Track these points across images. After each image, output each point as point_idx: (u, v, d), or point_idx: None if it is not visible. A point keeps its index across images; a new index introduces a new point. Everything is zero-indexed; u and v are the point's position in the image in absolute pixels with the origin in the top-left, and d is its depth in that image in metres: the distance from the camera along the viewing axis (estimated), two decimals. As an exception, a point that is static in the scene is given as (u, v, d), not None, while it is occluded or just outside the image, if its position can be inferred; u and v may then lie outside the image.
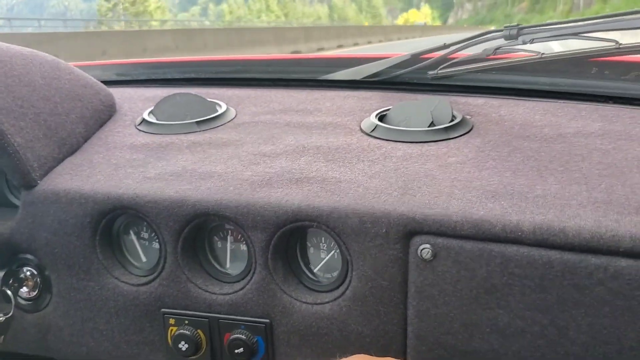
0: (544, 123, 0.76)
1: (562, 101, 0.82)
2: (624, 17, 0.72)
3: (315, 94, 0.95)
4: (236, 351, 0.68)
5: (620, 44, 0.72)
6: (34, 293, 0.78)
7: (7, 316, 0.74)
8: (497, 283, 0.57)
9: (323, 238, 0.68)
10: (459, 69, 0.89)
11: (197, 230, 0.69)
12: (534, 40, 0.79)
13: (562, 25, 0.77)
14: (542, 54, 0.79)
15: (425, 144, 0.73)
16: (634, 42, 0.72)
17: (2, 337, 0.75)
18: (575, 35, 0.75)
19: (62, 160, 0.78)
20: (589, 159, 0.66)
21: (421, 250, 0.59)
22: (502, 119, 0.79)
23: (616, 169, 0.63)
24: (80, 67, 0.94)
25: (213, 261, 0.72)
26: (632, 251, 0.53)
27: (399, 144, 0.74)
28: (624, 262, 0.53)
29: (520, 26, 0.81)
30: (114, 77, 1.09)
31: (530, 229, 0.56)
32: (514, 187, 0.61)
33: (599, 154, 0.67)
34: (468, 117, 0.80)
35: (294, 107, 0.90)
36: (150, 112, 0.89)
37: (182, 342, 0.70)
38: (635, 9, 0.71)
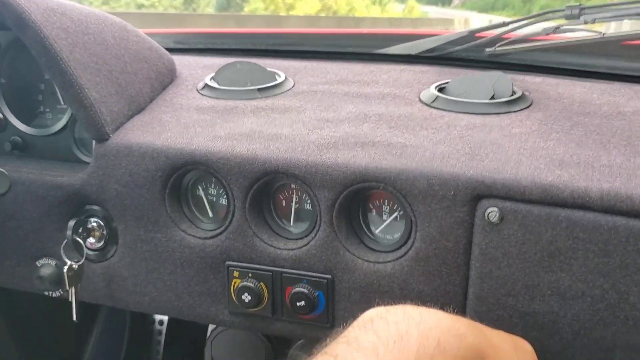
0: (603, 102, 0.77)
1: (619, 83, 0.83)
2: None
3: (371, 67, 0.97)
4: (298, 304, 0.71)
5: (686, 25, 0.73)
6: (100, 244, 0.81)
7: (79, 264, 0.78)
8: (561, 247, 0.59)
9: (385, 200, 0.70)
10: (517, 47, 0.90)
11: (264, 188, 0.72)
12: (596, 20, 0.80)
13: (626, 5, 0.78)
14: (604, 34, 0.81)
15: (488, 116, 0.75)
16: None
17: (78, 284, 0.79)
18: (639, 16, 0.76)
19: (131, 117, 0.81)
20: None
21: (488, 213, 0.61)
22: (561, 96, 0.80)
23: None
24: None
25: (277, 219, 0.74)
26: None
27: (460, 114, 0.76)
28: None
29: (582, 6, 0.82)
30: (173, 45, 1.12)
31: (597, 195, 0.58)
32: (580, 157, 0.63)
33: None
34: (527, 93, 0.82)
35: (350, 79, 0.92)
36: (212, 78, 0.92)
37: (245, 294, 0.73)
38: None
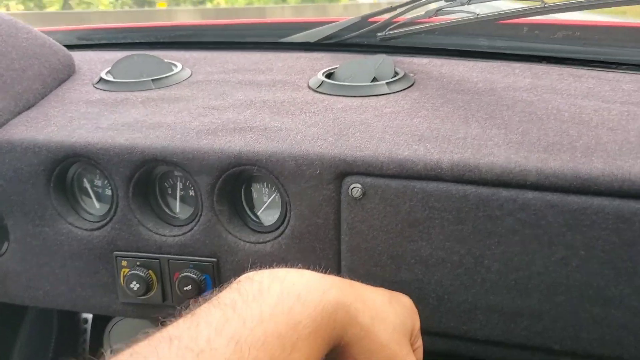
0: (479, 79, 0.81)
1: (499, 61, 0.87)
2: (551, -23, 0.77)
3: (269, 55, 0.99)
4: (185, 289, 0.72)
5: (546, 4, 0.77)
6: (-7, 241, 0.81)
7: None
8: (419, 217, 0.62)
9: (265, 182, 0.72)
10: (404, 30, 0.93)
11: (147, 176, 0.73)
12: (471, 2, 0.84)
13: (496, -14, 0.82)
14: (478, 14, 0.84)
15: (367, 98, 0.78)
16: (558, 1, 0.77)
17: None
18: (507, -5, 0.80)
19: (18, 114, 0.81)
20: (512, 108, 0.71)
21: (351, 189, 0.64)
22: (442, 76, 0.84)
23: (535, 117, 0.68)
24: (42, 31, 0.97)
25: (163, 206, 0.76)
26: (538, 184, 0.58)
27: (342, 98, 0.79)
28: (530, 195, 0.59)
29: (458, -13, 0.85)
30: (76, 41, 1.12)
31: (448, 166, 0.61)
32: (440, 131, 0.66)
33: (523, 104, 0.72)
34: (411, 74, 0.85)
35: (247, 67, 0.94)
36: (108, 72, 0.92)
37: (134, 282, 0.74)
38: (561, -30, 0.76)
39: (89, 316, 1.29)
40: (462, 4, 0.85)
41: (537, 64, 0.85)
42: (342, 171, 0.65)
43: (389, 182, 0.63)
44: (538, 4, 0.78)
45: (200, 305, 0.48)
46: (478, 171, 0.60)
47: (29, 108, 0.83)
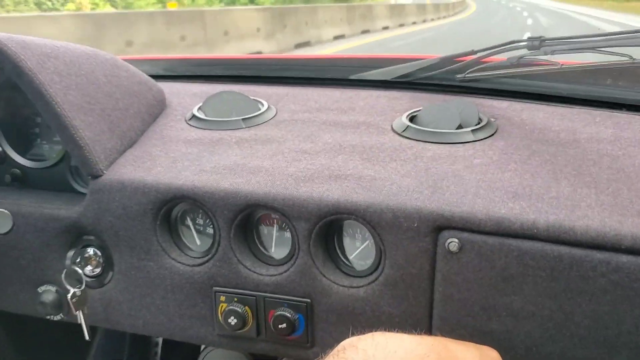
0: (561, 128, 0.83)
1: (578, 107, 0.89)
2: (638, 34, 0.79)
3: (349, 93, 1.03)
4: (280, 326, 0.77)
5: (635, 59, 0.79)
6: (97, 271, 0.87)
7: (81, 289, 0.84)
8: (513, 273, 0.65)
9: (358, 229, 0.76)
10: (486, 74, 0.96)
11: (247, 219, 0.78)
12: (555, 52, 0.86)
13: (582, 39, 0.84)
14: (562, 64, 0.86)
15: (454, 145, 0.81)
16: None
17: (85, 307, 0.85)
18: (593, 49, 0.82)
19: (124, 152, 0.87)
20: (599, 163, 0.73)
21: (448, 243, 0.67)
22: (524, 122, 0.86)
23: (624, 174, 0.71)
24: (130, 60, 1.03)
25: (260, 246, 0.81)
26: (633, 248, 0.61)
27: (428, 144, 0.82)
28: (624, 258, 0.61)
29: (542, 38, 0.87)
30: (162, 72, 1.18)
31: (544, 227, 0.64)
32: (532, 188, 0.69)
33: (609, 159, 0.74)
34: (493, 119, 0.88)
35: (329, 106, 0.98)
36: (199, 109, 0.98)
37: (232, 317, 0.79)
38: (650, 26, 0.77)
39: (159, 340, 1.36)
40: (546, 54, 0.87)
41: (618, 112, 0.87)
42: (439, 225, 0.68)
43: (485, 239, 0.66)
44: (626, 59, 0.80)
45: None
46: (573, 233, 0.63)
47: (131, 146, 0.89)
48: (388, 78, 1.05)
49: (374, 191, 0.72)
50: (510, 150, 0.78)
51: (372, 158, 0.80)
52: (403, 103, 0.97)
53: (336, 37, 12.60)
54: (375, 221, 0.71)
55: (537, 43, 0.88)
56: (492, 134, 0.84)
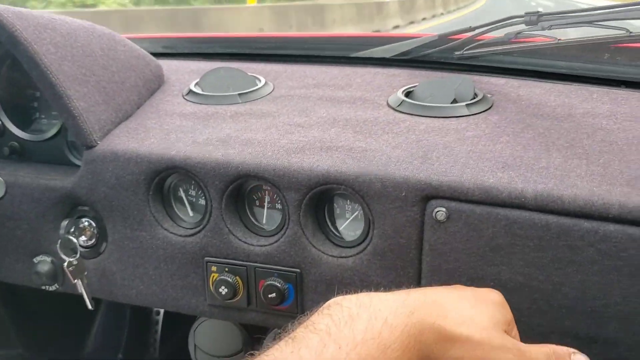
0: (558, 103, 0.83)
1: (576, 84, 0.88)
2: (636, 6, 0.78)
3: (347, 70, 1.03)
4: (269, 296, 0.77)
5: (631, 32, 0.78)
6: (92, 241, 0.88)
7: (77, 259, 0.85)
8: (501, 243, 0.65)
9: (348, 200, 0.76)
10: (483, 50, 0.95)
11: (238, 189, 0.78)
12: (552, 27, 0.85)
13: (578, 13, 0.83)
14: (559, 39, 0.86)
15: (447, 119, 0.81)
16: (644, 30, 0.78)
17: (85, 274, 0.86)
18: (590, 23, 0.81)
19: (119, 124, 0.88)
20: (593, 136, 0.73)
21: (436, 212, 0.67)
22: (520, 98, 0.86)
23: (616, 147, 0.70)
24: (130, 38, 1.03)
25: (251, 217, 0.81)
26: (620, 217, 0.60)
27: (422, 118, 0.82)
28: (612, 227, 0.61)
29: (540, 13, 0.86)
30: (162, 50, 1.18)
31: (532, 196, 0.63)
32: (523, 159, 0.69)
33: (603, 132, 0.74)
34: (489, 95, 0.87)
35: (326, 82, 0.98)
36: (196, 84, 0.98)
37: (222, 287, 0.79)
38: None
39: (161, 312, 1.37)
40: (543, 29, 0.86)
41: (616, 89, 0.86)
42: (427, 194, 0.68)
43: (473, 208, 0.66)
44: (623, 32, 0.79)
45: (296, 329, 0.52)
46: (561, 202, 0.62)
47: (127, 118, 0.89)
48: (387, 56, 1.05)
49: (363, 162, 0.72)
50: (503, 124, 0.78)
51: (364, 131, 0.79)
52: (401, 80, 0.97)
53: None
54: (364, 191, 0.70)
55: (535, 18, 0.87)
56: (488, 109, 0.83)
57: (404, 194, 0.69)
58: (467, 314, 0.57)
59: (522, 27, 0.89)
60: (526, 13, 0.88)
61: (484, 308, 0.58)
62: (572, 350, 0.58)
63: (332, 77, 1.00)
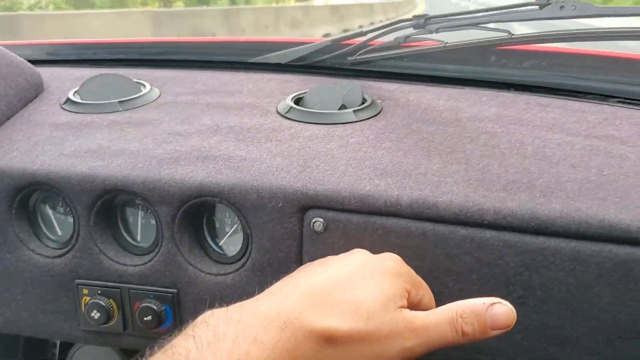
0: (446, 108, 0.81)
1: (467, 88, 0.88)
2: (517, 9, 0.77)
3: (240, 76, 0.99)
4: (145, 319, 0.72)
5: (513, 35, 0.78)
6: (-46, 266, 0.80)
7: None
8: (379, 252, 0.62)
9: (227, 213, 0.72)
10: (375, 55, 0.94)
11: (108, 205, 0.72)
12: (439, 30, 0.84)
13: (463, 16, 0.82)
14: (446, 43, 0.85)
15: (334, 126, 0.78)
16: (525, 32, 0.78)
17: None
18: (475, 25, 0.80)
19: None
20: (476, 141, 0.71)
21: (313, 223, 0.64)
22: (409, 103, 0.84)
23: (498, 150, 0.69)
24: (8, 46, 0.96)
25: (125, 234, 0.75)
26: (495, 223, 0.58)
27: (309, 125, 0.78)
28: (488, 234, 0.59)
29: (427, 16, 0.85)
30: (45, 57, 1.10)
31: (407, 203, 0.61)
32: (402, 165, 0.66)
33: (487, 136, 0.72)
34: (379, 101, 0.85)
35: (217, 89, 0.93)
36: (76, 92, 0.91)
37: (95, 311, 0.73)
38: (527, 1, 0.76)
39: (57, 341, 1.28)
40: (431, 32, 0.85)
41: (505, 92, 0.86)
42: (304, 205, 0.64)
43: (350, 217, 0.63)
44: (505, 35, 0.79)
45: (155, 354, 0.47)
46: (436, 209, 0.60)
47: None
48: (282, 61, 1.01)
49: (240, 171, 0.68)
50: (389, 130, 0.76)
51: (247, 139, 0.75)
52: (293, 86, 0.94)
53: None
54: (239, 203, 0.66)
55: (422, 21, 0.86)
56: (376, 115, 0.81)
57: (280, 204, 0.65)
58: (352, 300, 0.50)
59: (411, 30, 0.88)
60: (414, 16, 0.87)
61: (374, 285, 0.52)
62: (489, 300, 0.52)
63: (223, 83, 0.95)
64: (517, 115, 0.78)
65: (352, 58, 0.95)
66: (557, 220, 0.57)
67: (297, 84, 0.95)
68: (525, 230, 0.58)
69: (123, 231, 0.75)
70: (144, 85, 0.93)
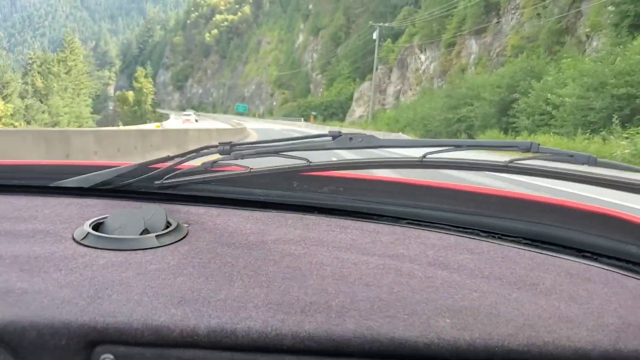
0: (252, 231, 0.82)
1: (274, 211, 0.90)
2: (313, 139, 0.83)
3: (37, 201, 0.92)
4: None
5: (311, 162, 0.82)
6: None
7: None
8: None
9: (2, 356, 0.63)
10: (183, 179, 0.93)
11: None
12: (245, 157, 0.87)
13: (266, 144, 0.86)
14: (251, 168, 0.87)
15: (135, 252, 0.74)
16: (321, 160, 0.83)
17: None
18: (277, 153, 0.84)
19: None
20: (279, 263, 0.72)
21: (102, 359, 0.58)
22: (217, 227, 0.84)
23: (299, 272, 0.70)
24: None
25: None
26: (294, 348, 0.58)
27: (106, 252, 0.74)
28: (287, 359, 0.58)
29: (232, 143, 0.88)
30: None
31: (205, 332, 0.58)
32: (201, 292, 0.64)
33: (290, 258, 0.74)
34: (186, 225, 0.83)
35: (8, 215, 0.86)
36: None
37: None
38: (322, 133, 0.82)
39: None
40: (237, 158, 0.87)
41: (309, 215, 0.89)
42: (92, 340, 0.59)
43: (143, 351, 0.58)
44: (304, 162, 0.83)
45: None
46: (235, 337, 0.58)
47: None
48: (84, 185, 0.97)
49: (19, 306, 0.61)
50: (192, 255, 0.74)
51: (33, 269, 0.69)
52: (95, 211, 0.89)
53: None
54: (15, 342, 0.59)
55: (228, 148, 0.88)
56: (181, 239, 0.79)
57: (64, 342, 0.58)
58: None
59: (218, 156, 0.90)
60: (220, 143, 0.89)
61: None
62: None
63: (16, 209, 0.88)
64: (320, 237, 0.81)
65: (159, 182, 0.94)
66: (351, 340, 0.58)
67: (99, 208, 0.90)
68: (323, 353, 0.58)
69: None
70: None
